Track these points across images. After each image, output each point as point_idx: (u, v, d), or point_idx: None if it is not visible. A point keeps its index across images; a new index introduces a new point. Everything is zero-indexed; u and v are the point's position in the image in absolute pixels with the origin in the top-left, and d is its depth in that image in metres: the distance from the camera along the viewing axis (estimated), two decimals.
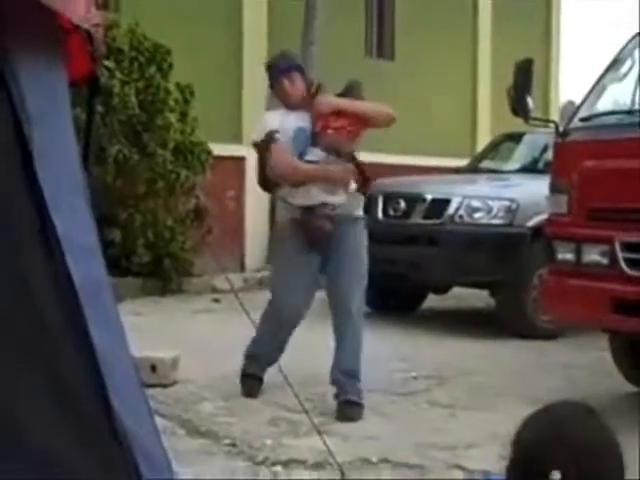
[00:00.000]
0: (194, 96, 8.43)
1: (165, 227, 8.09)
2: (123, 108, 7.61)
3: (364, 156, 4.51)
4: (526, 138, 8.39)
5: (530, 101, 4.80)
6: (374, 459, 3.68)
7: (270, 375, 4.48)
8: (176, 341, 5.67)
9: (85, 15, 2.04)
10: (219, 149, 8.96)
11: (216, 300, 7.91)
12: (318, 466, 3.57)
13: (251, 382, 4.61)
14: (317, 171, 4.33)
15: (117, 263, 7.82)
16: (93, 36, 2.08)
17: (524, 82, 4.82)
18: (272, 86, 4.58)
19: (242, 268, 9.74)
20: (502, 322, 6.85)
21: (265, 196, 10.33)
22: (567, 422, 1.65)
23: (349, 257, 4.37)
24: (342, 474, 3.13)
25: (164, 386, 4.71)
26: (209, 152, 8.52)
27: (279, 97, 4.57)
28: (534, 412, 1.68)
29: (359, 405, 4.29)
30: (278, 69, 4.52)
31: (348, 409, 4.25)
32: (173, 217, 8.13)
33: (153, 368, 4.74)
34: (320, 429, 3.74)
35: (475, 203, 6.90)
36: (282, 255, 4.68)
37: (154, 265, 8.16)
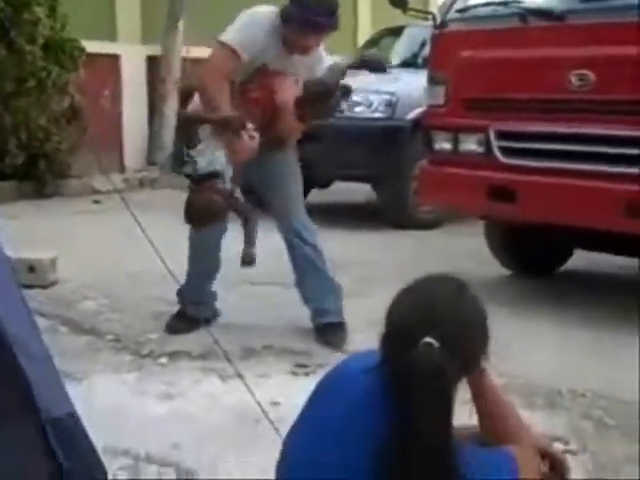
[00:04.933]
0: None
1: (39, 127, 7.77)
2: None
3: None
4: (406, 32, 8.38)
5: None
6: (259, 347, 3.75)
7: (153, 270, 4.41)
8: (56, 243, 5.53)
9: None
10: (92, 46, 8.59)
11: (96, 201, 7.73)
12: (204, 356, 3.61)
13: None
14: None
15: None
16: None
17: None
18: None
19: (122, 169, 9.51)
20: (384, 214, 6.99)
21: (143, 96, 10.06)
22: (435, 292, 1.71)
23: None
24: (228, 361, 3.17)
25: (43, 287, 4.62)
26: (82, 49, 8.17)
27: None
28: (405, 286, 1.73)
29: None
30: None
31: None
32: (47, 116, 7.81)
33: (31, 269, 4.64)
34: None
35: (356, 97, 6.89)
36: None
37: (29, 167, 7.87)
